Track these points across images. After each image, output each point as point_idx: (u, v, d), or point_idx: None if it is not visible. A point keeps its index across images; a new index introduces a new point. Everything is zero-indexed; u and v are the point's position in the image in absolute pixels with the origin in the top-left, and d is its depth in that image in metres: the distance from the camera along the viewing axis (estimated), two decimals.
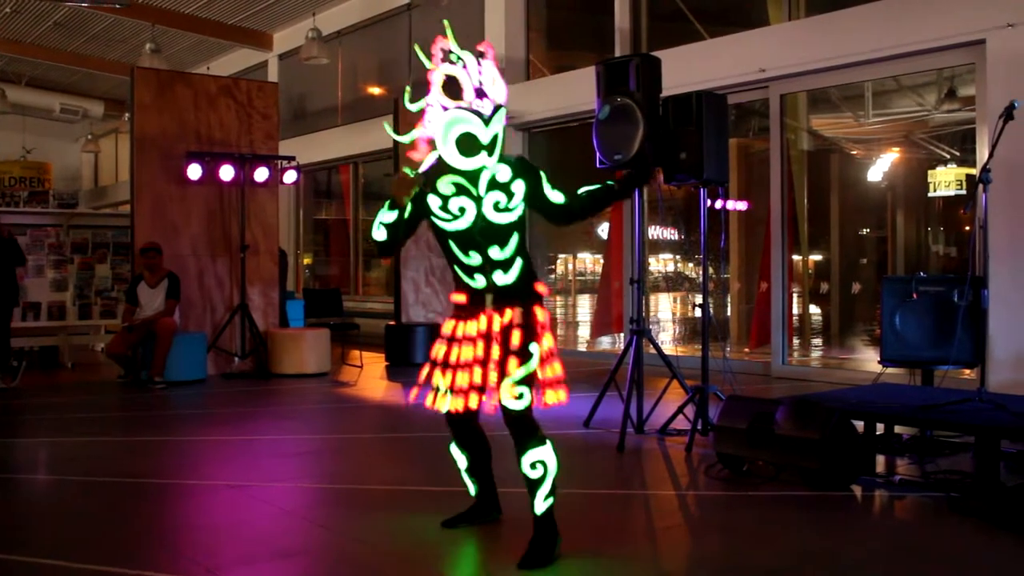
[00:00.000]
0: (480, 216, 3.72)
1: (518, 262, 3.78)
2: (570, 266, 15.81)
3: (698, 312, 6.45)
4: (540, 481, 3.69)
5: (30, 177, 20.69)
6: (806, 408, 4.96)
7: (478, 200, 3.73)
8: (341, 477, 5.48)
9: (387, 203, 3.76)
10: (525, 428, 3.71)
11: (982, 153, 7.94)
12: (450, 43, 3.76)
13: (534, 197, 3.84)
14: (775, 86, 9.58)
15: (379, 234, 3.79)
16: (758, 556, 3.89)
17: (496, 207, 3.72)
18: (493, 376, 3.70)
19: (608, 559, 3.83)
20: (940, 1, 8.14)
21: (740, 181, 11.48)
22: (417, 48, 3.96)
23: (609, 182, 4.02)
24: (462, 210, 3.73)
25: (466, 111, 3.67)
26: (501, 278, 3.76)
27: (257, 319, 10.28)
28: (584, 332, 14.17)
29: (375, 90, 15.79)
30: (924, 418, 5.17)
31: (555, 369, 3.81)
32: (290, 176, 10.62)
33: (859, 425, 5.19)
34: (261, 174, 10.28)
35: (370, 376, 10.10)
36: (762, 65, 9.40)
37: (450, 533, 4.07)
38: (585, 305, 15.09)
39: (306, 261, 18.14)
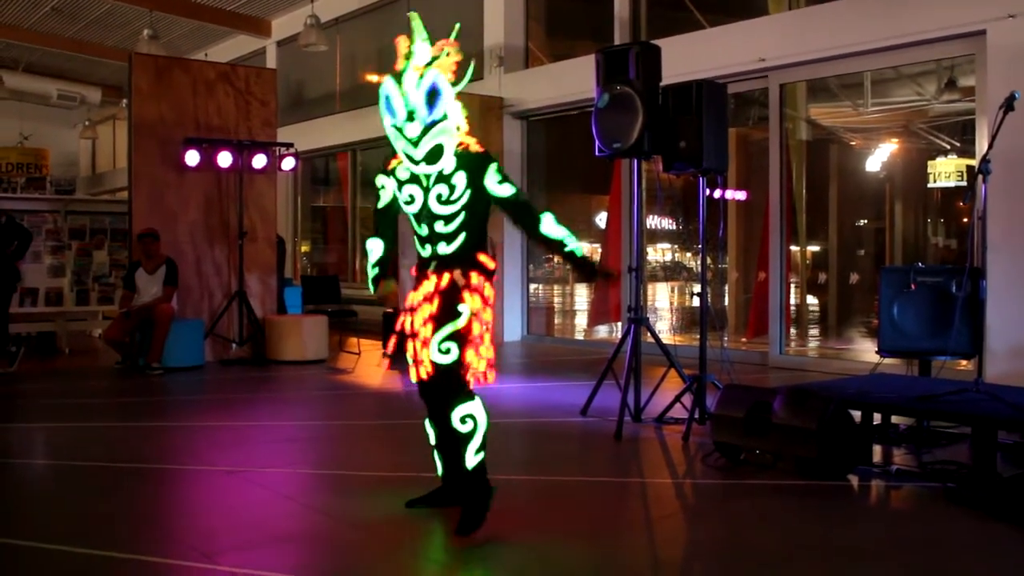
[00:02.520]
0: (425, 205, 3.96)
1: (462, 235, 3.96)
2: None
3: (696, 301, 6.45)
4: (470, 435, 3.84)
5: (27, 163, 20.67)
6: (803, 398, 4.96)
7: (426, 191, 3.96)
8: (338, 463, 5.49)
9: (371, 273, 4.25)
10: (453, 384, 3.87)
11: (982, 144, 7.93)
12: (412, 45, 3.94)
13: (480, 189, 3.97)
14: (775, 75, 9.56)
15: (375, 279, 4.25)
16: (754, 545, 3.90)
17: (439, 199, 3.94)
18: (427, 331, 3.90)
19: (605, 547, 3.84)
20: None
21: (739, 171, 11.47)
22: (413, 16, 4.05)
23: (570, 248, 4.07)
24: (412, 197, 4.02)
25: (396, 131, 3.90)
26: (444, 248, 3.97)
27: (255, 306, 10.27)
28: (582, 321, 14.18)
29: (373, 77, 15.64)
30: (921, 408, 5.17)
31: (486, 339, 3.96)
32: (288, 163, 10.60)
33: (856, 415, 5.18)
34: (259, 161, 10.25)
35: (367, 363, 10.10)
36: (762, 54, 9.38)
37: (447, 521, 4.07)
38: (583, 294, 15.08)
39: (304, 248, 18.12)
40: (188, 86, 10.14)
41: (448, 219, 3.93)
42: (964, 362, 7.57)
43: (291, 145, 10.70)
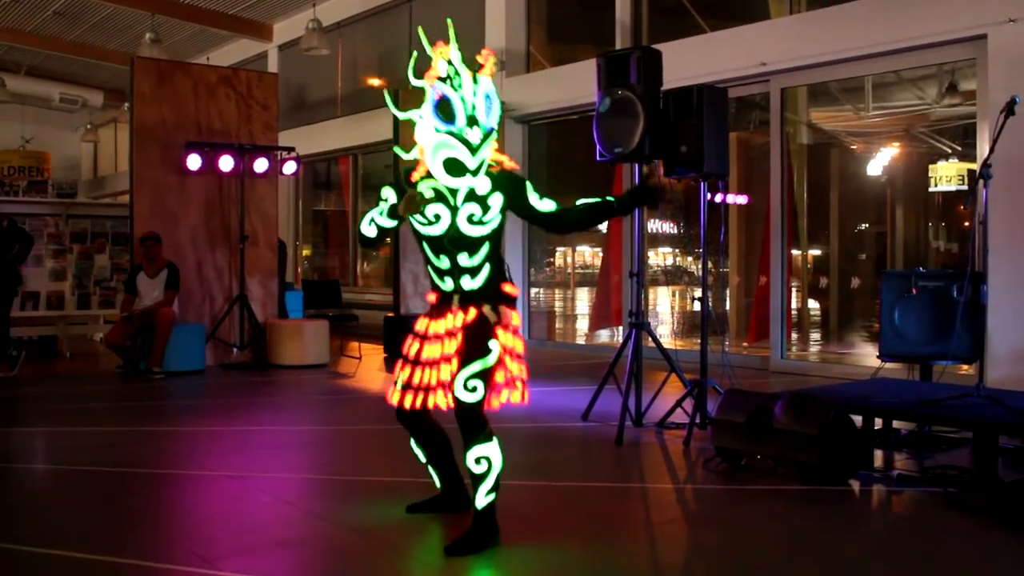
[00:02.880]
0: (453, 226, 3.81)
1: (486, 268, 3.85)
2: (569, 259, 15.80)
3: (697, 306, 6.45)
4: (484, 476, 3.72)
5: (29, 166, 20.70)
6: (804, 402, 4.96)
7: (454, 210, 3.81)
8: (339, 468, 5.49)
9: (387, 208, 3.87)
10: (474, 423, 3.73)
11: (983, 148, 7.93)
12: (452, 52, 3.77)
13: (520, 208, 3.90)
14: (776, 80, 9.57)
15: (369, 230, 3.95)
16: (755, 550, 3.90)
17: (470, 219, 3.79)
18: (448, 370, 3.79)
19: (606, 552, 3.83)
20: None
21: (740, 175, 11.47)
22: (420, 32, 3.94)
23: (610, 198, 4.04)
24: (437, 217, 3.82)
25: (455, 138, 3.70)
26: (468, 283, 3.85)
27: (256, 310, 10.27)
28: (583, 325, 14.17)
29: (375, 81, 15.74)
30: (922, 413, 5.17)
31: (517, 368, 3.87)
32: (289, 167, 10.61)
33: (857, 420, 5.18)
34: (260, 165, 10.26)
35: (368, 368, 10.10)
36: (763, 59, 9.39)
37: (447, 526, 4.07)
38: (584, 298, 15.08)
39: (305, 252, 18.13)
40: (190, 90, 10.15)
41: (473, 250, 3.80)
42: (965, 367, 7.56)
43: (292, 149, 10.71)
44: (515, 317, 3.91)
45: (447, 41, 3.77)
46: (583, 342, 13.06)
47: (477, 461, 3.70)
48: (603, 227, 11.97)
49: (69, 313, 11.19)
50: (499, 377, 3.80)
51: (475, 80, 3.75)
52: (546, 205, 3.90)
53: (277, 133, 10.88)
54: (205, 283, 10.18)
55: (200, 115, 10.19)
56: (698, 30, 10.73)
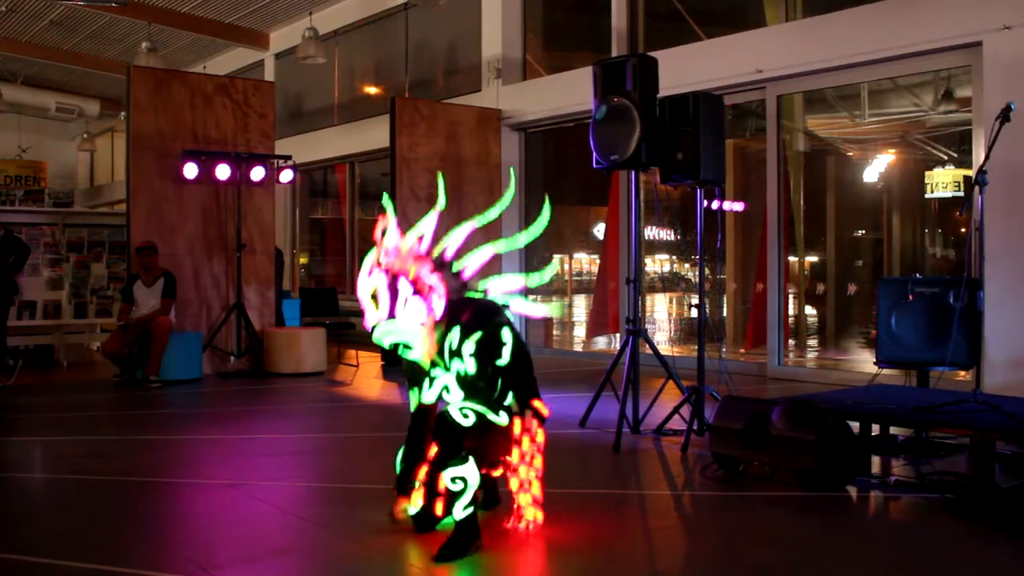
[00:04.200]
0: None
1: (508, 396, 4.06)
2: (566, 266, 15.81)
3: (694, 312, 6.45)
4: (460, 494, 3.85)
5: (26, 176, 20.66)
6: (802, 409, 4.96)
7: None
8: (337, 476, 5.48)
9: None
10: (454, 443, 3.92)
11: (978, 155, 7.94)
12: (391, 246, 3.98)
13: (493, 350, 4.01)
14: (772, 87, 9.59)
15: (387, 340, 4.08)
16: (753, 556, 3.90)
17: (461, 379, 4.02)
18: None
19: (603, 559, 3.83)
20: (937, 3, 8.15)
21: (736, 182, 11.47)
22: (386, 198, 4.20)
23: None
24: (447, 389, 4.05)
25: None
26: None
27: (253, 318, 10.27)
28: (580, 332, 14.17)
29: (372, 89, 15.75)
30: (919, 419, 5.17)
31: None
32: (286, 175, 10.62)
33: (854, 426, 5.19)
34: (257, 173, 10.27)
35: (366, 375, 10.09)
36: (759, 66, 9.41)
37: (444, 534, 4.06)
38: (581, 305, 15.08)
39: (302, 260, 18.12)
40: (186, 98, 10.16)
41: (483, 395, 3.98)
42: (962, 373, 7.57)
43: (289, 157, 10.72)
44: (539, 434, 4.06)
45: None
46: (580, 349, 13.06)
47: (453, 480, 3.83)
48: (599, 234, 11.97)
49: (66, 322, 11.18)
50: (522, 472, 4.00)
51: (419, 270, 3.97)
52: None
53: (274, 141, 10.89)
54: (202, 291, 10.18)
55: (197, 124, 10.20)
56: (694, 37, 10.74)
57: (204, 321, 10.15)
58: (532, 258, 12.81)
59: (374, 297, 3.95)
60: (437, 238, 4.08)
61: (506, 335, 3.98)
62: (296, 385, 9.39)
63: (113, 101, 21.66)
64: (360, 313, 4.05)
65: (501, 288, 4.16)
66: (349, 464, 5.88)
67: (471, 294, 4.13)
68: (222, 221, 10.29)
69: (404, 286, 3.93)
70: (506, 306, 4.11)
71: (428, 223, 4.05)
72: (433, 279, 3.95)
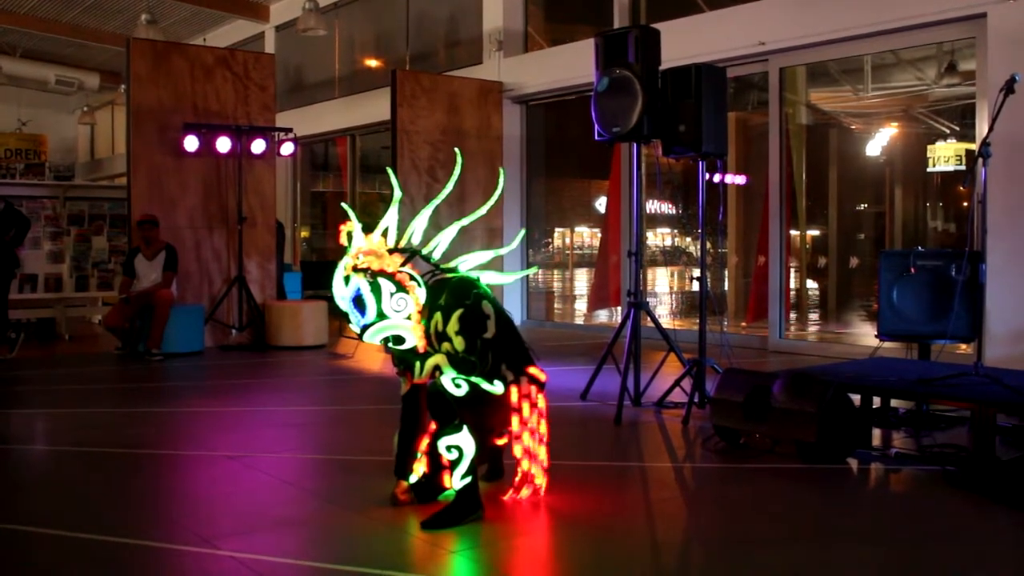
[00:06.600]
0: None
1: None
2: (567, 239, 15.80)
3: (696, 286, 6.45)
4: (456, 462, 3.84)
5: (26, 149, 20.63)
6: (803, 381, 4.96)
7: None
8: (338, 448, 5.50)
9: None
10: (446, 412, 3.88)
11: (982, 128, 7.91)
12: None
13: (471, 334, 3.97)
14: (774, 59, 9.53)
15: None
16: (753, 528, 3.91)
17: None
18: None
19: (604, 530, 3.84)
20: None
21: (738, 155, 11.45)
22: (390, 171, 4.20)
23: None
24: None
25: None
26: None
27: (254, 291, 10.28)
28: (581, 305, 14.18)
29: (372, 62, 15.67)
30: (921, 392, 5.18)
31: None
32: (287, 148, 10.59)
33: (856, 399, 5.19)
34: (258, 146, 10.24)
35: (367, 348, 10.09)
36: (762, 38, 9.35)
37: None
38: (583, 278, 15.08)
39: (303, 234, 18.10)
40: (186, 71, 10.11)
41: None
42: (963, 346, 7.57)
43: (290, 130, 10.69)
44: (540, 399, 4.05)
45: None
46: (582, 322, 13.07)
47: (448, 449, 3.82)
48: (601, 207, 11.95)
49: (67, 295, 11.19)
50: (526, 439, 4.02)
51: (347, 277, 3.97)
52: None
53: (275, 114, 10.86)
54: (203, 265, 10.17)
55: (197, 96, 10.16)
56: (696, 9, 10.67)
57: (205, 294, 10.15)
58: (534, 231, 12.80)
59: (356, 301, 3.92)
60: (403, 227, 4.06)
61: (487, 308, 3.97)
62: (297, 358, 9.40)
63: (113, 74, 21.57)
64: None
65: (472, 263, 4.13)
66: (350, 436, 5.90)
67: (446, 274, 4.10)
68: (223, 194, 10.27)
69: (386, 283, 3.90)
70: (478, 280, 4.09)
71: (390, 215, 4.01)
72: (408, 269, 3.95)
